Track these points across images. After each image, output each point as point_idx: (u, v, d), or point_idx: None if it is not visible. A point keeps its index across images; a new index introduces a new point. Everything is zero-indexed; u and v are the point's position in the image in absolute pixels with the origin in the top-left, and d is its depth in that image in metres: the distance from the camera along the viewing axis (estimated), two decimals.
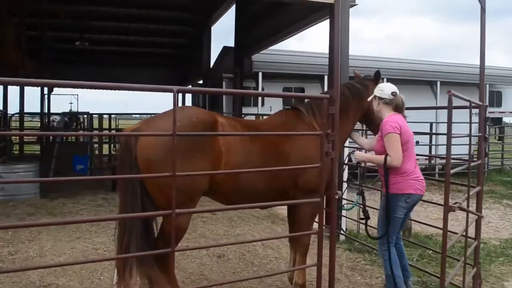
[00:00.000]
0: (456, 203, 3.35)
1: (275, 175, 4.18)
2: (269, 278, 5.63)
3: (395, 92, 4.59)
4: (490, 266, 6.23)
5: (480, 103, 4.60)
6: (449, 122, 3.42)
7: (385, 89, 4.66)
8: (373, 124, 4.97)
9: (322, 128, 3.56)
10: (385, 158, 4.42)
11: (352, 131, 5.12)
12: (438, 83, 15.54)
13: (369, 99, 4.72)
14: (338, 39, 5.11)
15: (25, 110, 13.92)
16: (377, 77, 4.95)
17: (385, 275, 4.81)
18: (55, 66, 16.61)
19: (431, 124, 13.91)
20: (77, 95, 27.46)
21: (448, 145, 3.42)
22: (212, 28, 17.23)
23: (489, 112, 16.95)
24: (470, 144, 4.44)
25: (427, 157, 14.69)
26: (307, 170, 4.16)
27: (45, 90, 16.25)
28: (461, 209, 3.55)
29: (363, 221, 5.29)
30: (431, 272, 5.42)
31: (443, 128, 14.24)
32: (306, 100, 4.92)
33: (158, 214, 3.27)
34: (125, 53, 20.22)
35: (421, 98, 14.72)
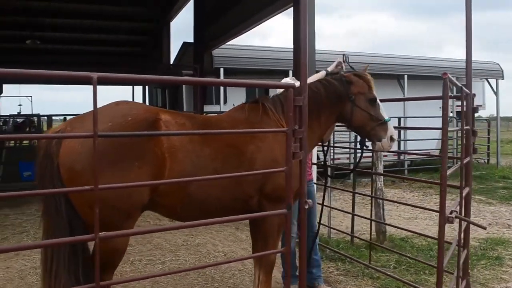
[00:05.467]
0: (452, 212, 2.76)
1: (237, 181, 3.48)
2: None
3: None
4: (472, 271, 5.65)
5: (467, 91, 4.02)
6: (445, 112, 2.75)
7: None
8: (352, 127, 4.23)
9: (288, 124, 2.90)
10: None
11: (325, 135, 4.41)
12: (406, 76, 15.17)
13: None
14: (305, 21, 4.47)
15: None
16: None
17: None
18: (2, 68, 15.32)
19: (399, 118, 13.46)
20: (31, 96, 25.82)
21: (444, 140, 2.79)
22: (172, 23, 16.37)
23: (457, 106, 16.74)
24: (462, 138, 3.84)
25: (395, 153, 14.09)
26: (276, 174, 3.49)
27: None
28: (460, 218, 2.96)
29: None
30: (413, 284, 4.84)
31: (411, 123, 13.89)
32: (275, 93, 4.16)
33: (79, 240, 2.55)
34: (80, 52, 19.10)
35: (388, 92, 14.20)
